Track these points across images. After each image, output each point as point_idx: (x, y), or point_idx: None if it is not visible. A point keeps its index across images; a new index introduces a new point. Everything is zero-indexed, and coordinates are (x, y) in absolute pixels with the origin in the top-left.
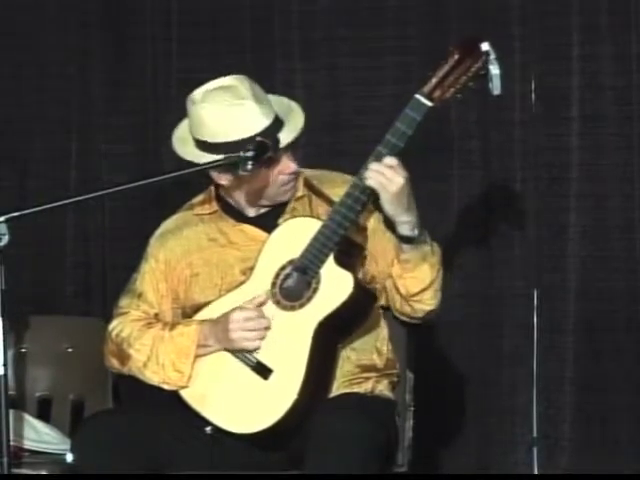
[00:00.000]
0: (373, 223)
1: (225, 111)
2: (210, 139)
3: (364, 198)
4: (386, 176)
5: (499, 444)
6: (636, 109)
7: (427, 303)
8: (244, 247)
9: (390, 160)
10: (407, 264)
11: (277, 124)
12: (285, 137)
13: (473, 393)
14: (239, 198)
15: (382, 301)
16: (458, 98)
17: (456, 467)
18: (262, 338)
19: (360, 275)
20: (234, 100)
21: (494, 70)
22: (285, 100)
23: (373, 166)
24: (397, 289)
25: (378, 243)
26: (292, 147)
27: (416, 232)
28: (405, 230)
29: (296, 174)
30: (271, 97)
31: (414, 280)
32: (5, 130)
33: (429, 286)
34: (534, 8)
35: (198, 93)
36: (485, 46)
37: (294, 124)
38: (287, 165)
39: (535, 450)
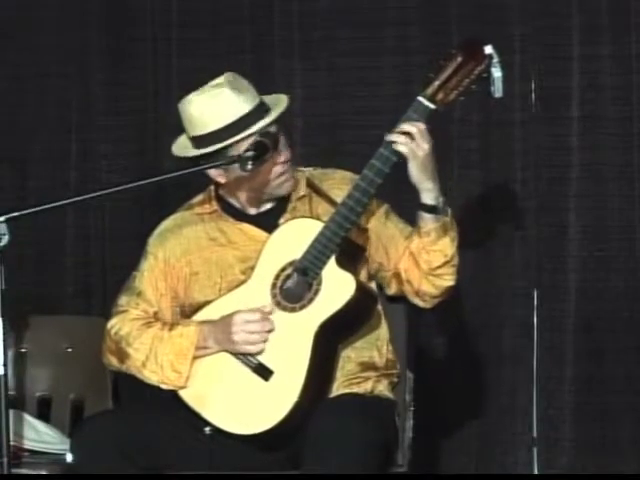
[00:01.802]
0: (376, 214)
1: (206, 102)
2: (198, 132)
3: (365, 199)
4: (415, 141)
5: (499, 444)
6: (636, 109)
7: (447, 278)
8: (244, 247)
9: (415, 125)
10: (428, 237)
11: (261, 110)
12: (266, 119)
13: (473, 393)
14: (239, 196)
15: (392, 290)
16: (460, 101)
17: (456, 467)
18: (264, 342)
19: (365, 270)
20: (212, 90)
21: (496, 73)
22: (277, 94)
23: (401, 130)
24: (418, 265)
25: (384, 231)
26: (282, 137)
27: (440, 201)
28: (429, 199)
29: (289, 163)
30: (266, 97)
31: (437, 253)
32: (5, 130)
33: (450, 259)
34: (534, 8)
35: (188, 96)
36: (488, 49)
37: (278, 106)
38: (278, 153)
39: (535, 450)
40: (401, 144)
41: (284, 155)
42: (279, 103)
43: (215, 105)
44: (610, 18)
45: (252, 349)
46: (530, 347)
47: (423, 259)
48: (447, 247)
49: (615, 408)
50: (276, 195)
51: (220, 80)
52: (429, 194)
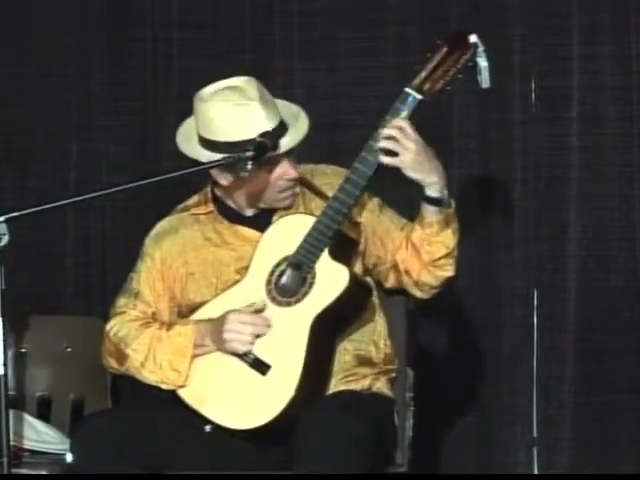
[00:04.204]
0: (369, 208)
1: (231, 110)
2: (213, 137)
3: (357, 192)
4: (399, 143)
5: (499, 444)
6: (636, 109)
7: (448, 269)
8: (239, 247)
9: (398, 122)
10: (431, 228)
11: (281, 129)
12: (287, 142)
13: (473, 393)
14: (238, 198)
15: (390, 282)
16: (448, 90)
17: (456, 467)
18: (254, 342)
19: (359, 263)
20: (241, 100)
21: (482, 62)
22: (293, 107)
23: (384, 136)
24: (419, 256)
25: (379, 224)
26: (293, 153)
27: (445, 193)
28: (433, 192)
29: (296, 181)
30: (279, 102)
31: (439, 244)
32: (5, 130)
33: (452, 251)
34: (534, 8)
35: (207, 91)
36: (473, 38)
37: (298, 130)
38: (287, 171)
39: (535, 450)
40: (382, 155)
41: (292, 173)
42: (298, 120)
43: (240, 117)
44: (610, 18)
45: (241, 348)
46: (530, 347)
47: (425, 250)
48: (449, 239)
49: (615, 408)
50: (276, 206)
51: (248, 87)
52: (433, 187)
